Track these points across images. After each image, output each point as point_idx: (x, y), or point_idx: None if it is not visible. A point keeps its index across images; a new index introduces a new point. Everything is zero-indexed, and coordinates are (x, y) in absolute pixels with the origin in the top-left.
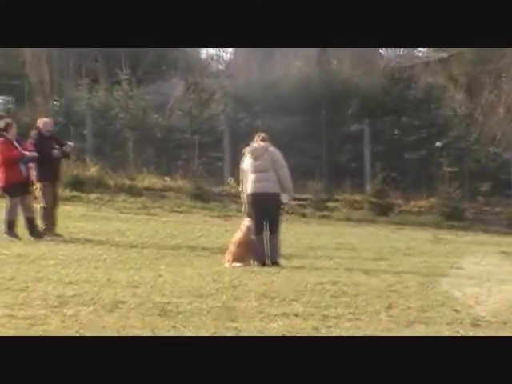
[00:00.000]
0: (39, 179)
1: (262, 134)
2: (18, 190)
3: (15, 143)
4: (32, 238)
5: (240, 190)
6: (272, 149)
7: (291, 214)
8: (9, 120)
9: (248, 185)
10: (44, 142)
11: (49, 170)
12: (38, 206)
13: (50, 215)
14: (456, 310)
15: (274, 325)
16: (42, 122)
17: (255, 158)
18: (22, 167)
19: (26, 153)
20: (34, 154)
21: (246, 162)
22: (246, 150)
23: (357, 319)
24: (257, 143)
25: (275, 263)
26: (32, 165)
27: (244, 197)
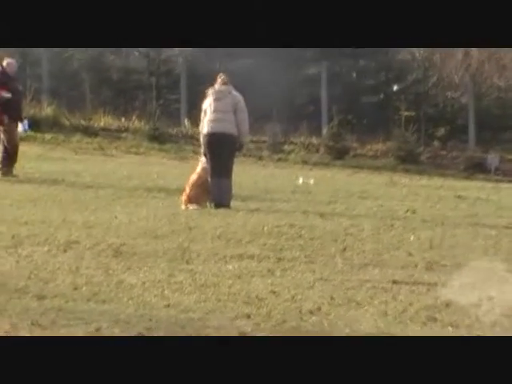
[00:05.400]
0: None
1: (223, 76)
2: None
3: None
4: None
5: (200, 131)
6: (235, 92)
7: (248, 156)
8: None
9: (205, 125)
10: (10, 83)
11: (15, 110)
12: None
13: (12, 155)
14: (410, 254)
15: (230, 267)
16: (6, 62)
17: (217, 99)
18: None
19: (2, 93)
20: (9, 94)
21: (208, 103)
22: (210, 91)
23: (312, 262)
24: (220, 85)
25: (226, 206)
26: None
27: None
